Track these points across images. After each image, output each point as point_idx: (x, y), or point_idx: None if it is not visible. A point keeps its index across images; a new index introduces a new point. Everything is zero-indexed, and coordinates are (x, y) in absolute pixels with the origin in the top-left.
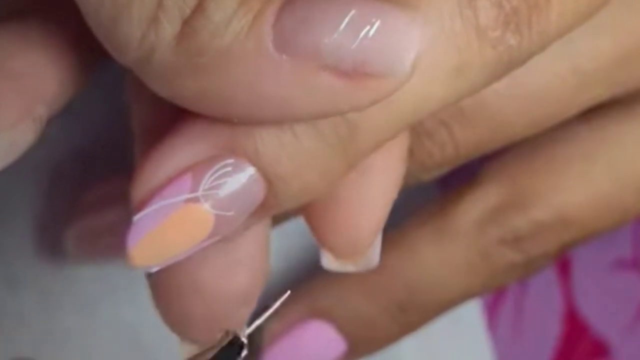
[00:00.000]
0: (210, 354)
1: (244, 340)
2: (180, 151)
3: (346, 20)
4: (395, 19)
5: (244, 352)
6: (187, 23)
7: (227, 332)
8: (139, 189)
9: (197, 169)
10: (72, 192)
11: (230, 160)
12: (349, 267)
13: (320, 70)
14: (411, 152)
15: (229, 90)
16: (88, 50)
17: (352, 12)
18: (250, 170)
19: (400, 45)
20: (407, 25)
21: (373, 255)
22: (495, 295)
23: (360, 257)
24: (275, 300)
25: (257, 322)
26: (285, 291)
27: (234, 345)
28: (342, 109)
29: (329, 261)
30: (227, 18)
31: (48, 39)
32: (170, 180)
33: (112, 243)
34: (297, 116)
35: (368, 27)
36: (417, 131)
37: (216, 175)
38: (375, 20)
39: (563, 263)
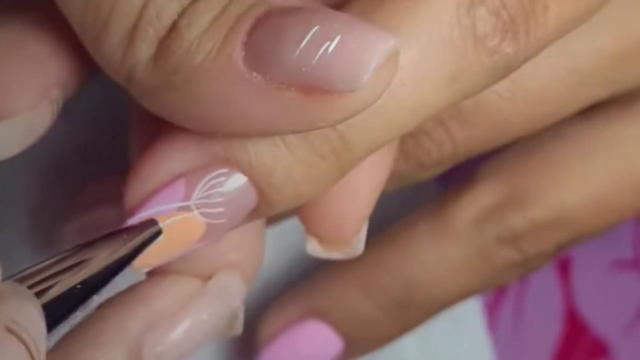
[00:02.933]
0: (132, 235)
1: (162, 227)
2: (174, 157)
3: (308, 36)
4: (356, 35)
5: (160, 238)
6: (163, 43)
7: (150, 220)
8: (132, 194)
9: (190, 177)
10: (71, 190)
11: (224, 170)
12: (334, 254)
13: (287, 87)
14: (409, 151)
15: (204, 107)
16: None
17: (315, 28)
18: (242, 179)
19: (358, 60)
20: (369, 39)
21: (358, 243)
22: (495, 295)
23: (346, 244)
24: None
25: (176, 218)
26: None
27: (154, 231)
28: (315, 124)
29: (314, 247)
30: (199, 36)
31: (62, 23)
32: (163, 186)
33: None
34: (272, 132)
35: (328, 43)
36: (415, 130)
37: (209, 184)
38: (336, 36)
39: (563, 263)
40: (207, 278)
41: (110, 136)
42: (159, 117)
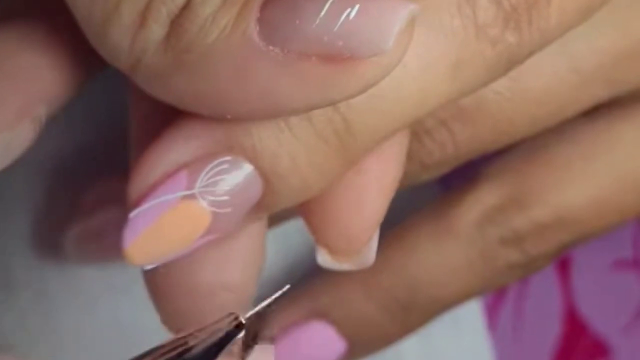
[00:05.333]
0: (209, 332)
1: (243, 321)
2: (177, 147)
3: (328, 4)
4: (376, 1)
5: (241, 334)
6: (175, 22)
7: (230, 314)
8: (136, 185)
9: (193, 165)
10: (73, 191)
11: (228, 158)
12: (344, 265)
13: (307, 58)
14: (411, 152)
15: (218, 86)
16: (89, 51)
17: None
18: (248, 168)
19: (381, 25)
20: (388, 5)
21: (369, 253)
22: (495, 296)
23: (356, 254)
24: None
25: (257, 308)
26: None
27: (234, 327)
28: (333, 97)
29: (324, 258)
30: (212, 13)
31: (48, 39)
32: (167, 177)
33: (111, 244)
34: (289, 108)
35: (349, 10)
36: (417, 130)
37: (213, 172)
38: (355, 3)
39: (563, 263)
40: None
41: (111, 137)
42: (161, 111)
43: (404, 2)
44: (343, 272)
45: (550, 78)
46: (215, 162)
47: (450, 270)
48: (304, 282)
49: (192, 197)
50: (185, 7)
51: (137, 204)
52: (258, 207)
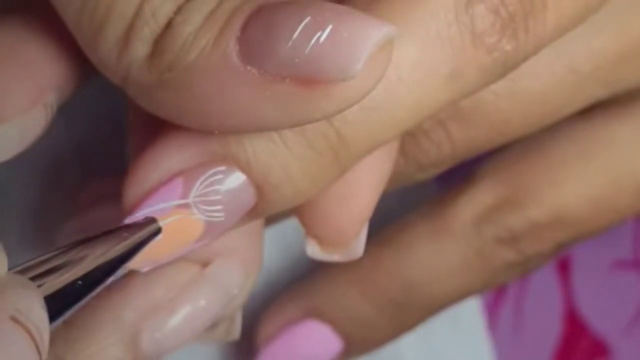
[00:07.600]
0: (132, 233)
1: (161, 225)
2: (172, 155)
3: (300, 27)
4: (348, 24)
5: (159, 236)
6: (158, 41)
7: (149, 219)
8: (131, 192)
9: (188, 175)
10: (70, 190)
11: (222, 168)
12: (334, 257)
13: (281, 80)
14: (407, 151)
15: (200, 104)
16: None
17: (307, 18)
18: (242, 178)
19: (351, 49)
20: (360, 28)
21: (358, 245)
22: (495, 295)
23: (346, 247)
24: None
25: (177, 216)
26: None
27: (153, 229)
28: (311, 117)
29: (314, 249)
30: (193, 33)
31: (56, 28)
32: (162, 184)
33: None
34: (271, 125)
35: (320, 33)
36: (414, 130)
37: (207, 182)
38: (327, 25)
39: (563, 263)
40: (205, 265)
41: (109, 136)
42: (157, 117)
43: (378, 24)
44: (339, 271)
45: (548, 79)
46: (211, 171)
47: (446, 269)
48: (301, 281)
49: (185, 206)
50: (167, 27)
51: (132, 210)
52: (251, 214)
